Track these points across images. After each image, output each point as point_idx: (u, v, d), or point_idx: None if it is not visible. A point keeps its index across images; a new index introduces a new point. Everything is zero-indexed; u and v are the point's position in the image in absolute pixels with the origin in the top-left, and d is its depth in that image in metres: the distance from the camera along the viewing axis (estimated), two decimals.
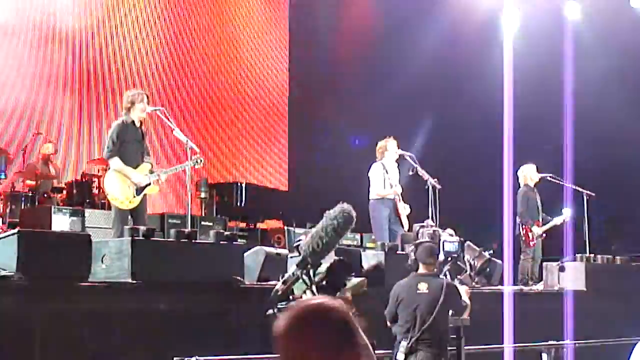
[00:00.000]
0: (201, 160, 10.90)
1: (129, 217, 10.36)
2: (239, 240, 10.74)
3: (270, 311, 4.92)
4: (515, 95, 14.88)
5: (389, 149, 13.26)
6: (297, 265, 5.17)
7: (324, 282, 5.10)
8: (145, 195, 10.51)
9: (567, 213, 14.44)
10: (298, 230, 15.35)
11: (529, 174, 14.41)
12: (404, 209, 13.05)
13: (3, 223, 12.91)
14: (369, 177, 13.22)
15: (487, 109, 16.54)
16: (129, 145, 10.46)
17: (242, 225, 16.16)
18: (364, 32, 19.92)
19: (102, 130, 16.39)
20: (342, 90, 19.94)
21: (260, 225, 16.47)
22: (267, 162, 20.28)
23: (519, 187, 14.38)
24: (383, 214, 12.95)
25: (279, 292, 5.01)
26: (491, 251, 12.66)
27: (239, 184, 16.10)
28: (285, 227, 15.48)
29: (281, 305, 4.91)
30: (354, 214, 5.21)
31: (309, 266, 5.13)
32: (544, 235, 14.28)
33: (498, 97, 14.99)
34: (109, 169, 10.48)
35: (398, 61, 18.87)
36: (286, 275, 5.16)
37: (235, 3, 20.20)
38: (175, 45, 18.62)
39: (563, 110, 16.28)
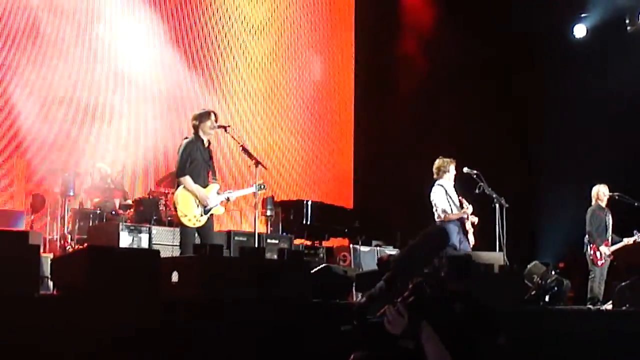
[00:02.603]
0: (264, 186, 11.02)
1: (196, 234, 10.46)
2: (305, 258, 10.77)
3: (347, 327, 4.82)
4: None
5: (450, 170, 13.15)
6: (384, 281, 5.09)
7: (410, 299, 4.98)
8: (212, 214, 10.61)
9: (637, 234, 14.29)
10: (363, 249, 15.32)
11: (600, 192, 14.32)
12: (471, 227, 12.92)
13: (72, 240, 13.04)
14: (430, 199, 13.09)
15: None
16: (198, 164, 10.56)
17: (308, 243, 16.14)
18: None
19: (168, 147, 16.48)
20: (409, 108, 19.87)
21: (325, 243, 16.44)
22: (332, 179, 20.28)
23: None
24: (453, 234, 12.85)
25: (361, 307, 4.91)
26: (557, 270, 12.57)
27: (304, 202, 16.07)
28: (351, 245, 15.45)
29: (361, 320, 4.80)
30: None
31: (398, 284, 5.06)
32: (612, 256, 14.16)
33: None
34: (179, 186, 10.56)
35: None
36: (371, 290, 5.07)
37: (302, 20, 20.29)
38: (241, 60, 18.71)
39: None
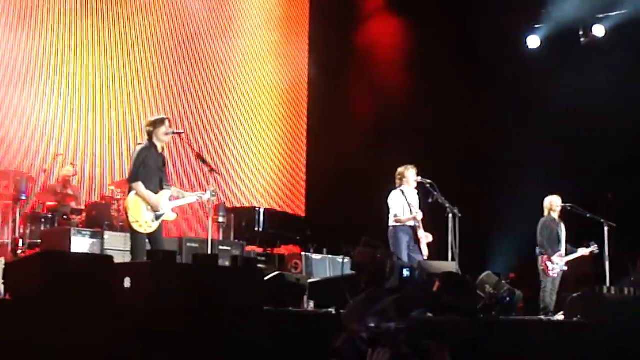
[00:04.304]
0: (214, 194, 10.98)
1: (146, 241, 10.42)
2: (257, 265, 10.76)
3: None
4: None
5: (408, 176, 13.25)
6: None
7: None
8: (163, 221, 10.57)
9: (594, 245, 14.42)
10: (315, 257, 15.33)
11: (552, 204, 14.44)
12: (425, 237, 13.00)
13: (23, 244, 12.94)
14: (387, 204, 13.19)
15: None
16: (150, 170, 10.51)
17: (260, 250, 16.13)
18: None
19: (122, 153, 16.45)
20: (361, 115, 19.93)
21: (277, 251, 16.44)
22: (285, 187, 20.29)
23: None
24: (402, 241, 12.90)
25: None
26: (508, 280, 12.63)
27: (257, 209, 16.06)
28: (303, 253, 15.45)
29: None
30: None
31: None
32: (566, 267, 14.28)
33: None
34: (131, 191, 10.49)
35: None
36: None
37: (254, 19, 20.34)
38: (193, 69, 18.71)
39: None
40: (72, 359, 6.49)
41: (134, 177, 10.46)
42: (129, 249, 11.18)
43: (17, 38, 15.71)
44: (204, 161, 11.04)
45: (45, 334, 6.44)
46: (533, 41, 18.56)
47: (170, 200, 10.69)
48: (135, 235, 10.45)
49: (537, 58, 18.33)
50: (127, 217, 10.46)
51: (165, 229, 10.93)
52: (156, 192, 10.50)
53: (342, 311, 5.09)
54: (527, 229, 14.77)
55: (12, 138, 15.23)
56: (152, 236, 10.47)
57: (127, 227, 10.76)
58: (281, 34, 21.01)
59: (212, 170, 10.99)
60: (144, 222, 10.37)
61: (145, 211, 10.38)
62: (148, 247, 10.35)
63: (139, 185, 10.40)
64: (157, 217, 10.46)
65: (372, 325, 4.79)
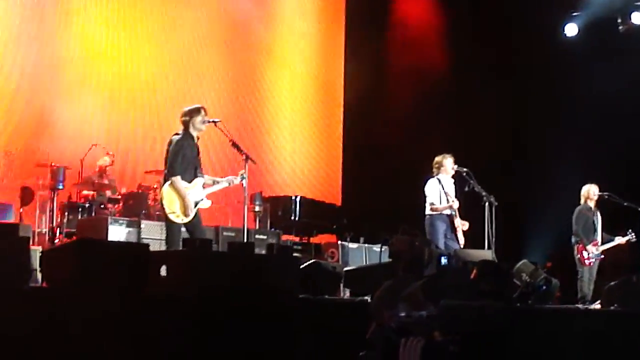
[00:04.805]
0: (245, 177, 10.96)
1: (184, 230, 10.44)
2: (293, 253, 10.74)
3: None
4: None
5: (445, 164, 13.22)
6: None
7: None
8: (198, 209, 10.58)
9: (631, 234, 14.33)
10: (351, 245, 15.33)
11: (589, 192, 14.35)
12: (461, 225, 12.96)
13: (60, 233, 13.03)
14: (424, 192, 13.17)
15: None
16: (187, 160, 10.53)
17: (296, 239, 16.14)
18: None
19: (156, 142, 16.52)
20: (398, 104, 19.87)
21: (313, 240, 16.44)
22: (321, 176, 20.29)
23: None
24: (439, 229, 12.88)
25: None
26: (545, 269, 12.56)
27: (293, 198, 16.06)
28: (339, 242, 15.45)
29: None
30: None
31: None
32: (602, 256, 14.19)
33: None
34: (166, 182, 10.51)
35: None
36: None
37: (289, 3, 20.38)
38: (229, 59, 18.74)
39: None
40: (108, 346, 6.53)
41: (172, 170, 10.48)
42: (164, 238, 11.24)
43: (53, 29, 15.84)
44: (239, 149, 11.03)
45: (81, 321, 6.47)
46: (571, 29, 18.38)
47: (204, 187, 10.71)
48: (170, 224, 10.49)
49: (575, 46, 18.18)
50: (163, 207, 10.50)
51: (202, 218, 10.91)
52: (190, 182, 10.53)
53: (368, 300, 5.05)
54: (564, 217, 14.68)
55: (51, 129, 15.34)
56: (190, 225, 10.51)
57: (164, 217, 10.79)
58: (316, 18, 20.99)
59: (247, 158, 10.99)
60: (181, 212, 10.41)
61: (181, 201, 10.41)
62: (186, 236, 10.39)
63: (178, 180, 10.42)
64: (194, 205, 10.50)
65: (403, 314, 4.74)
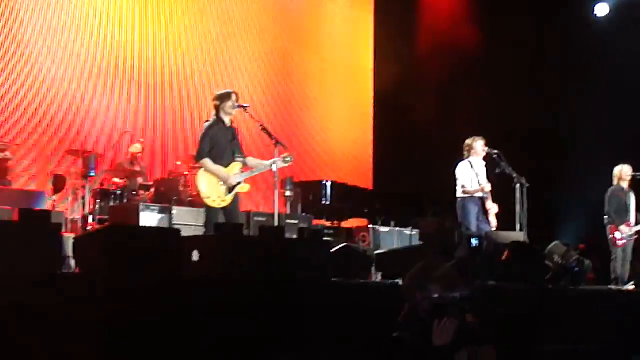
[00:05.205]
0: (290, 159, 10.92)
1: (221, 215, 10.45)
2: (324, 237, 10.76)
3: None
4: None
5: (476, 147, 13.16)
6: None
7: None
8: (237, 193, 10.57)
9: None
10: (383, 229, 15.31)
11: (622, 173, 14.24)
12: (493, 207, 12.92)
13: (93, 220, 13.10)
14: (455, 175, 13.13)
15: None
16: (221, 146, 10.53)
17: (327, 223, 16.13)
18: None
19: (187, 129, 16.58)
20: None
21: (344, 224, 16.43)
22: (352, 160, 20.28)
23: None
24: (471, 212, 12.84)
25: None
26: (577, 251, 12.49)
27: (324, 182, 16.03)
28: (370, 226, 15.44)
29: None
30: None
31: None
32: (636, 236, 14.10)
33: None
34: (200, 168, 10.54)
35: None
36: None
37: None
38: (259, 45, 18.76)
39: None
40: (139, 332, 6.55)
41: (200, 154, 10.51)
42: (197, 223, 11.26)
43: (84, 18, 15.93)
44: (269, 134, 11.02)
45: (113, 306, 6.50)
46: (602, 9, 18.23)
47: (242, 171, 10.69)
48: (209, 210, 10.50)
49: (606, 26, 18.03)
50: (199, 193, 10.52)
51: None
52: (227, 166, 10.53)
53: (400, 283, 5.03)
54: (597, 198, 14.57)
55: (83, 117, 15.43)
56: (226, 209, 10.51)
57: (195, 202, 10.79)
58: (346, 2, 20.96)
59: (277, 143, 10.96)
60: (217, 197, 10.40)
61: (217, 185, 10.42)
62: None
63: (207, 162, 10.43)
64: (231, 191, 10.49)
65: (435, 295, 4.71)
